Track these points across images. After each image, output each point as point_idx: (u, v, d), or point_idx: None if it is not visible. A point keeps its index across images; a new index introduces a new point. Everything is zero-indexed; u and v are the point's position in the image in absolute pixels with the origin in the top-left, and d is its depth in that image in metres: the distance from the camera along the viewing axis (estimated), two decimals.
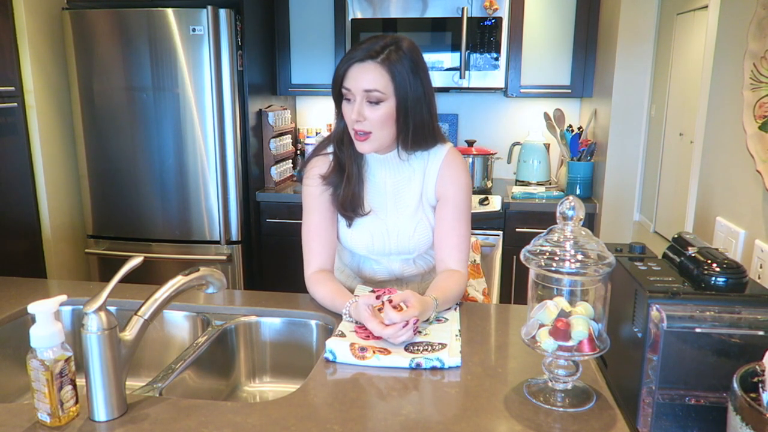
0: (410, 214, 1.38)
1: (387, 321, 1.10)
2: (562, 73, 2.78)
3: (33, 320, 0.85)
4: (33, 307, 0.84)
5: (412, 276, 1.46)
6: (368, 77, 1.23)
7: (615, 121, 2.45)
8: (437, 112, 1.34)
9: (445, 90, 2.88)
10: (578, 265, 0.86)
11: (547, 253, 0.89)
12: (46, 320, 0.85)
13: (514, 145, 3.02)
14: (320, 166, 1.38)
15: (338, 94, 1.29)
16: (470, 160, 2.84)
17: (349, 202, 1.35)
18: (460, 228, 1.36)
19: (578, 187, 2.70)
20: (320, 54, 2.92)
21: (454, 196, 1.36)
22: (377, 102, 1.24)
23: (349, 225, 1.38)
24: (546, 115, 2.86)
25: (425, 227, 1.38)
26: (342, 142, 1.35)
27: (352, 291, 1.33)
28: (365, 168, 1.38)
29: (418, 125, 1.29)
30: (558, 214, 0.91)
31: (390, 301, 1.19)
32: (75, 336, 1.34)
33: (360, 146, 1.30)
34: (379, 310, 1.25)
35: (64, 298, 0.90)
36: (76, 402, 0.88)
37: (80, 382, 0.87)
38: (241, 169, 2.63)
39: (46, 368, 0.84)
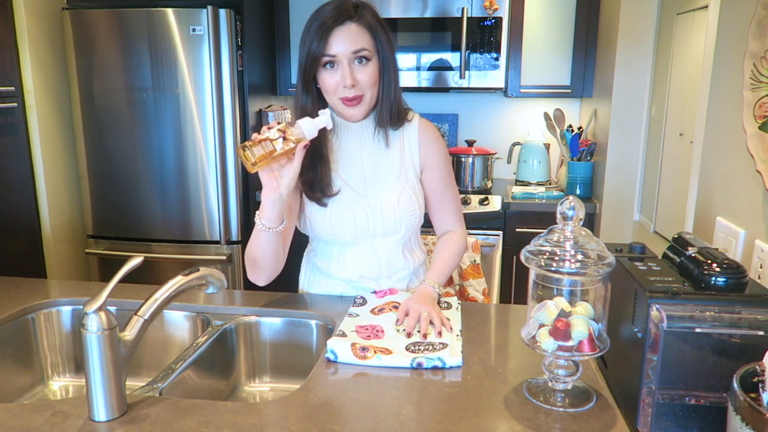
0: (392, 183, 1.34)
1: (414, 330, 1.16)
2: (562, 73, 2.78)
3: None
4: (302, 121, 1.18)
5: (401, 269, 1.40)
6: (354, 39, 1.21)
7: (615, 121, 2.45)
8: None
9: (445, 90, 2.88)
10: (578, 265, 0.87)
11: (547, 253, 0.89)
12: (320, 124, 1.16)
13: (514, 145, 3.02)
14: None
15: (310, 68, 1.23)
16: (470, 160, 2.84)
17: (318, 182, 1.30)
18: (452, 191, 1.42)
19: (578, 187, 2.70)
20: None
21: (438, 162, 1.39)
22: (367, 61, 1.23)
23: (325, 206, 1.32)
24: (546, 115, 2.86)
25: (409, 196, 1.34)
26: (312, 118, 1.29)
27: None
28: (335, 143, 1.35)
29: (395, 85, 1.28)
30: (558, 214, 0.91)
31: (395, 307, 1.22)
32: (75, 336, 1.34)
33: (352, 112, 1.27)
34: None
35: (328, 121, 1.19)
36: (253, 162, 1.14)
37: (81, 382, 0.87)
38: (241, 169, 2.63)
39: (282, 131, 1.11)
